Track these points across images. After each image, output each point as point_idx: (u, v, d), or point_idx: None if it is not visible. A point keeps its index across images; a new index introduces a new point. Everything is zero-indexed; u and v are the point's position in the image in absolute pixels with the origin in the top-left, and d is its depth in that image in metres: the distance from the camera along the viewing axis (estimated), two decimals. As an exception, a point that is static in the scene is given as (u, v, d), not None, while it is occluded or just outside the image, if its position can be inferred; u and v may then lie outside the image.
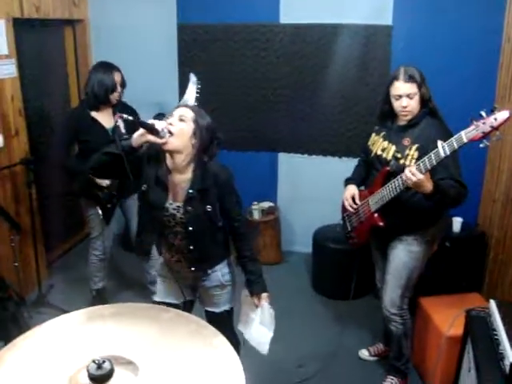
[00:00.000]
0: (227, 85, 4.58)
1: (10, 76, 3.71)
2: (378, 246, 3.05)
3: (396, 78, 2.65)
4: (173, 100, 4.47)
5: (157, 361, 1.33)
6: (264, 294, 2.49)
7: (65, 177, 3.69)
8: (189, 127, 2.24)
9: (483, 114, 2.23)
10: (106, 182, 3.47)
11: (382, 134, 2.83)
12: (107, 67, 3.48)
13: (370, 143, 2.91)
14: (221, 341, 1.39)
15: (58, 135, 3.66)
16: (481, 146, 2.27)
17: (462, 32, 3.94)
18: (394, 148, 2.72)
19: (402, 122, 2.73)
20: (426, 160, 2.38)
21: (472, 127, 2.24)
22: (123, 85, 3.55)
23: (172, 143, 2.21)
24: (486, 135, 2.24)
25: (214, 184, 2.33)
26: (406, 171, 2.41)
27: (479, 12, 3.87)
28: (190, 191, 2.30)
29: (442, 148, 2.32)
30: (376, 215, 2.78)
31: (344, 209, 3.06)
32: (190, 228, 2.34)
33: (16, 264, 3.51)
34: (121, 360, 1.32)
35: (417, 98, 2.64)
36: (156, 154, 2.35)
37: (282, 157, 4.73)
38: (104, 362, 1.24)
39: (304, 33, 4.32)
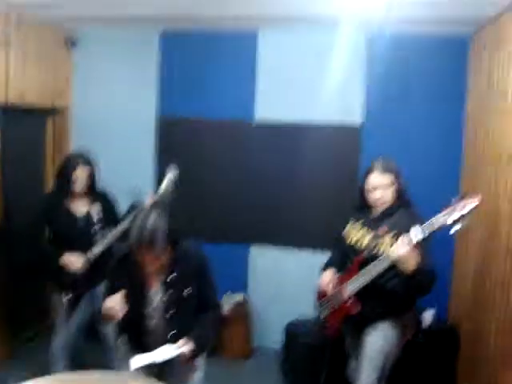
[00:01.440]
0: (202, 176, 4.68)
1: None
2: (353, 333, 3.02)
3: (371, 170, 2.81)
4: (148, 188, 4.53)
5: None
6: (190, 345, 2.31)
7: (35, 257, 3.61)
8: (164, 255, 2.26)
9: (454, 200, 2.36)
10: (76, 266, 3.41)
11: (359, 223, 2.92)
12: (73, 160, 3.50)
13: (345, 232, 2.99)
14: None
15: (30, 220, 3.60)
16: (451, 232, 2.38)
17: (428, 130, 4.23)
18: (369, 236, 2.81)
19: (377, 212, 2.84)
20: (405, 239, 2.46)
21: (442, 213, 2.37)
22: (92, 178, 3.55)
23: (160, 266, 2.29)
24: (455, 222, 2.35)
25: (191, 267, 2.37)
26: (393, 245, 2.48)
27: (442, 111, 4.19)
28: (171, 276, 2.33)
29: (415, 234, 2.42)
30: (350, 302, 2.80)
31: (319, 296, 3.07)
32: (170, 311, 2.34)
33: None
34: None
35: (391, 189, 2.78)
36: (128, 255, 2.36)
37: (255, 249, 4.74)
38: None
39: (277, 131, 4.53)
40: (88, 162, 3.53)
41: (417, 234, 2.43)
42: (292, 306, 4.44)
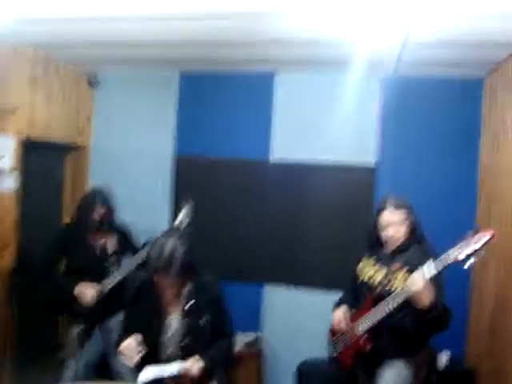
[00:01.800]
0: (216, 215, 4.71)
1: (9, 190, 3.84)
2: (366, 371, 2.95)
3: (384, 208, 2.82)
4: (164, 226, 4.59)
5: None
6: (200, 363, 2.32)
7: (48, 291, 3.63)
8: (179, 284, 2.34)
9: (467, 234, 2.36)
10: (89, 297, 3.42)
11: (372, 259, 2.92)
12: (91, 201, 3.57)
13: (358, 269, 2.99)
14: None
15: (46, 250, 3.66)
16: (465, 266, 2.35)
17: (442, 169, 4.25)
18: (382, 273, 2.80)
19: (391, 248, 2.83)
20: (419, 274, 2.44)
21: (456, 248, 2.36)
22: (109, 215, 3.60)
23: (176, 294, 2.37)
24: (469, 256, 2.33)
25: (207, 297, 2.43)
26: (409, 280, 2.46)
27: (457, 150, 4.23)
28: (188, 305, 2.38)
29: (428, 269, 2.41)
30: (362, 339, 2.77)
31: (332, 333, 3.04)
32: (186, 340, 2.37)
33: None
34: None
35: (404, 225, 2.78)
36: (146, 284, 2.43)
37: (268, 288, 4.71)
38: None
39: (292, 171, 4.57)
40: (106, 200, 3.59)
41: (430, 268, 2.42)
42: (305, 346, 4.37)
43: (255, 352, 4.48)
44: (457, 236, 2.45)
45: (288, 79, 4.60)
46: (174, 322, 2.39)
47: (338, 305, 3.10)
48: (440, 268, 2.40)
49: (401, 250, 2.79)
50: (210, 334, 2.43)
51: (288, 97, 4.60)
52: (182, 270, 2.28)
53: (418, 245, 2.79)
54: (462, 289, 4.01)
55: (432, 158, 4.29)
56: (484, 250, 2.35)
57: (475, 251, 2.33)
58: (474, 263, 2.36)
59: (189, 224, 3.66)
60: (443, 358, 3.69)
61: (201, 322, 2.38)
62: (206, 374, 2.31)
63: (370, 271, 2.88)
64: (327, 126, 4.47)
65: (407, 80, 4.22)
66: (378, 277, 2.81)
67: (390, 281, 2.73)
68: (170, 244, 2.28)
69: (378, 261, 2.88)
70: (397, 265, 2.75)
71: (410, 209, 2.82)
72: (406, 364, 2.74)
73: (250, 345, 4.50)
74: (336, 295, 4.23)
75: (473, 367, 3.79)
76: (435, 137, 4.30)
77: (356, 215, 4.42)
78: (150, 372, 2.24)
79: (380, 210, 2.84)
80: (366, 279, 2.88)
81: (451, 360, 3.72)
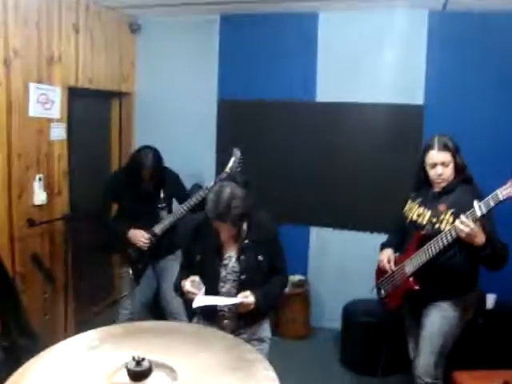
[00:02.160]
0: (263, 160, 4.71)
1: (59, 138, 3.95)
2: (412, 313, 2.98)
3: (431, 147, 2.73)
4: (211, 170, 4.68)
5: (194, 369, 1.33)
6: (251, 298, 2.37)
7: (101, 234, 3.77)
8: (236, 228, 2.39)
9: None
10: (142, 241, 3.54)
11: (418, 200, 2.88)
12: (139, 163, 3.52)
13: (405, 210, 2.96)
14: (256, 357, 1.38)
15: (101, 195, 3.78)
16: None
17: (492, 110, 4.08)
18: (429, 213, 2.76)
19: (437, 188, 2.78)
20: (468, 214, 2.40)
21: (508, 184, 2.28)
22: (158, 168, 3.59)
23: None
24: None
25: (265, 236, 2.48)
26: (457, 223, 2.42)
27: (509, 89, 4.03)
28: (246, 242, 2.44)
29: (479, 207, 2.35)
30: (411, 279, 2.76)
31: (378, 275, 3.07)
32: (243, 277, 2.42)
33: (47, 317, 3.53)
34: (160, 364, 1.32)
35: (451, 166, 2.71)
36: (203, 225, 2.51)
37: (314, 231, 4.76)
38: (143, 359, 1.25)
39: (338, 111, 4.50)
40: (154, 159, 3.55)
41: (481, 206, 2.36)
42: (349, 287, 4.44)
43: (302, 294, 4.58)
44: (502, 177, 2.37)
45: (332, 18, 4.45)
46: (231, 259, 2.46)
47: (382, 248, 3.10)
48: (491, 205, 2.33)
49: (447, 190, 2.73)
50: (267, 271, 2.50)
51: (333, 36, 4.47)
52: (239, 218, 2.33)
53: (465, 185, 2.72)
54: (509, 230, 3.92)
55: (481, 97, 4.12)
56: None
57: None
58: None
59: (240, 169, 3.67)
60: (490, 300, 3.66)
61: (258, 259, 2.44)
62: (257, 308, 2.36)
63: (418, 211, 2.84)
64: (374, 65, 4.37)
65: (455, 15, 4.02)
66: (426, 217, 2.77)
67: (437, 220, 2.69)
68: (227, 191, 2.31)
69: (424, 201, 2.84)
70: (443, 205, 2.70)
71: (456, 149, 2.73)
72: (452, 305, 2.73)
73: (297, 286, 4.60)
74: (382, 237, 4.26)
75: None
76: (483, 74, 4.10)
77: (404, 155, 4.34)
78: (203, 300, 2.32)
79: (427, 149, 2.76)
80: (414, 219, 2.84)
81: (498, 302, 3.69)
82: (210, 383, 1.30)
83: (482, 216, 2.36)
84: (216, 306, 2.42)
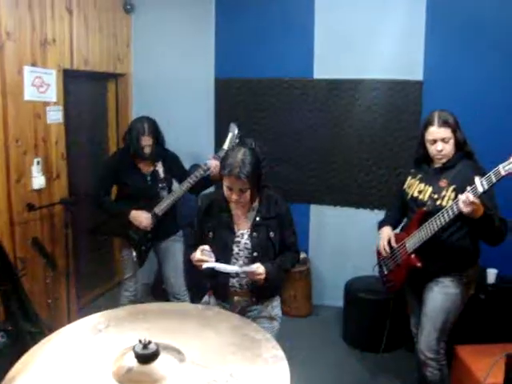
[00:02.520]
0: (261, 137, 4.67)
1: (56, 122, 3.91)
2: (414, 290, 2.99)
3: (430, 123, 2.71)
4: (209, 150, 4.64)
5: (201, 350, 1.34)
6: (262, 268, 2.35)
7: (101, 217, 3.76)
8: (249, 190, 2.35)
9: None
10: (144, 222, 3.53)
11: (419, 176, 2.87)
12: (139, 129, 3.50)
13: (405, 186, 2.95)
14: (263, 336, 1.38)
15: (98, 177, 3.78)
16: None
17: (492, 84, 4.04)
18: (430, 189, 2.75)
19: (438, 164, 2.77)
20: (470, 190, 2.38)
21: (510, 160, 2.25)
22: (157, 140, 3.60)
23: (244, 205, 2.43)
24: None
25: (276, 213, 2.47)
26: (461, 198, 2.38)
27: (508, 64, 3.98)
28: (257, 219, 2.44)
29: (481, 183, 2.33)
30: (413, 256, 2.76)
31: (380, 253, 3.06)
32: (255, 253, 2.42)
33: (49, 301, 3.55)
34: (166, 347, 1.32)
35: (451, 141, 2.69)
36: (215, 202, 2.52)
37: (314, 208, 4.76)
38: (150, 342, 1.25)
39: (337, 87, 4.47)
40: (153, 127, 3.58)
41: (483, 182, 2.34)
42: (351, 265, 4.47)
43: (304, 271, 4.60)
44: (503, 152, 2.35)
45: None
46: (243, 236, 2.45)
47: (380, 225, 3.09)
48: (493, 181, 2.30)
49: (448, 166, 2.71)
50: (278, 249, 2.49)
51: (330, 12, 4.40)
52: (253, 174, 2.31)
53: (466, 161, 2.70)
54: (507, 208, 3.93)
55: (481, 72, 4.07)
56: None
57: None
58: None
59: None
60: (491, 275, 3.67)
61: (269, 235, 2.44)
62: (267, 280, 2.35)
63: (419, 187, 2.82)
64: (372, 42, 4.32)
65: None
66: (427, 193, 2.76)
67: (439, 197, 2.67)
68: (242, 150, 2.35)
69: (424, 178, 2.82)
70: (444, 181, 2.69)
71: (457, 124, 2.70)
72: (454, 282, 2.73)
73: (299, 264, 4.60)
74: (382, 214, 4.25)
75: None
76: (483, 49, 4.04)
77: (403, 132, 4.33)
78: (214, 265, 2.32)
79: (427, 125, 2.73)
80: (415, 195, 2.82)
81: (499, 276, 3.71)
82: (218, 364, 1.30)
83: (484, 192, 2.34)
84: (227, 283, 2.44)
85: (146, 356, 1.26)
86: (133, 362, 1.28)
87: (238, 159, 2.30)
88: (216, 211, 2.50)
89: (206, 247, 2.36)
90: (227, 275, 2.43)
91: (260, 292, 2.46)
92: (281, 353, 1.34)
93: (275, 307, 2.57)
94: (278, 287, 2.63)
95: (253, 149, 2.43)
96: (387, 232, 2.98)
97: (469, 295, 2.85)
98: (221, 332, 1.45)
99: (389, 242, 2.93)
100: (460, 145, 2.71)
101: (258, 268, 2.32)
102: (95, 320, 1.53)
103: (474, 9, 4.01)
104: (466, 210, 2.37)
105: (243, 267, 2.36)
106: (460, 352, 3.08)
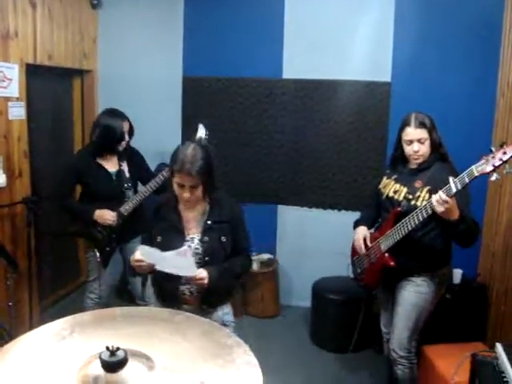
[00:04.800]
0: (229, 136, 4.67)
1: (18, 118, 3.79)
2: (386, 288, 3.01)
3: (407, 124, 2.75)
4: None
5: (171, 357, 1.29)
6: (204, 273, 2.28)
7: (65, 218, 3.66)
8: (200, 187, 2.29)
9: (493, 149, 2.29)
10: (109, 221, 3.45)
11: (394, 177, 2.90)
12: (116, 115, 3.53)
13: (381, 186, 2.97)
14: (235, 341, 1.35)
15: (61, 176, 3.67)
16: (492, 179, 2.30)
17: (459, 85, 4.11)
18: (405, 190, 2.78)
19: (414, 165, 2.81)
20: (444, 190, 2.41)
21: (482, 161, 2.29)
22: (131, 133, 3.62)
23: (194, 202, 2.35)
24: (495, 168, 2.27)
25: (229, 217, 2.41)
26: (434, 198, 2.43)
27: (475, 64, 4.06)
28: (209, 222, 2.38)
29: (454, 183, 2.36)
30: (387, 255, 2.79)
31: (354, 251, 3.08)
32: (206, 258, 2.36)
33: (10, 304, 3.43)
34: (135, 353, 1.27)
35: (427, 143, 2.73)
36: (164, 205, 2.45)
37: (282, 209, 4.75)
38: (118, 349, 1.20)
39: (305, 88, 4.47)
40: (127, 118, 3.55)
41: (456, 183, 2.37)
42: (318, 265, 4.47)
43: (271, 272, 4.58)
44: (473, 154, 2.38)
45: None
46: (194, 240, 2.38)
47: (355, 225, 3.11)
48: (466, 181, 2.34)
49: (424, 167, 2.76)
50: (230, 253, 2.43)
51: (300, 12, 4.41)
52: (205, 170, 2.26)
53: (441, 163, 2.75)
54: (477, 207, 3.98)
55: (449, 73, 4.14)
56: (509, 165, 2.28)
57: (502, 163, 2.26)
58: (497, 179, 2.30)
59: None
60: (457, 275, 3.74)
61: (221, 240, 2.38)
62: (210, 285, 2.28)
63: (394, 187, 2.85)
64: (341, 42, 4.35)
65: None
66: (402, 193, 2.78)
67: (413, 197, 2.71)
68: (192, 146, 2.29)
69: (400, 178, 2.86)
70: (420, 182, 2.73)
71: (433, 126, 2.75)
72: (426, 281, 2.77)
73: (265, 265, 4.60)
74: (349, 215, 4.28)
75: (485, 283, 3.86)
76: (451, 50, 4.11)
77: (371, 132, 4.36)
78: (149, 251, 2.23)
79: (403, 126, 2.77)
80: (390, 195, 2.85)
81: (463, 278, 3.78)
82: (189, 371, 1.26)
83: (457, 192, 2.37)
84: (178, 288, 2.37)
85: (114, 364, 1.21)
86: (99, 371, 1.23)
87: (189, 154, 2.24)
88: (165, 214, 2.43)
89: (145, 247, 2.28)
90: (177, 282, 2.36)
91: (210, 299, 2.41)
92: (253, 359, 1.31)
93: (226, 314, 2.51)
94: (227, 293, 2.55)
95: (203, 145, 2.39)
96: (362, 231, 3.00)
97: (440, 295, 2.91)
98: (191, 337, 1.40)
99: (364, 241, 2.95)
100: (435, 146, 2.75)
101: (201, 273, 2.25)
102: (58, 326, 1.46)
103: (441, 10, 4.07)
104: (439, 209, 2.41)
105: (186, 255, 2.24)
106: (427, 352, 3.11)
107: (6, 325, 3.36)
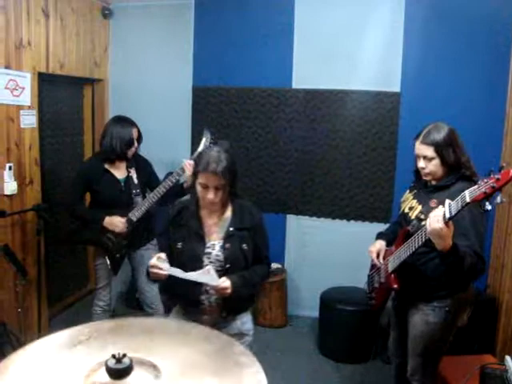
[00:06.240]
0: (238, 146, 4.68)
1: (30, 126, 3.83)
2: (396, 310, 2.88)
3: (418, 135, 2.53)
4: (185, 158, 4.57)
5: (178, 367, 1.29)
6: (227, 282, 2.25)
7: (75, 225, 3.68)
8: (224, 189, 2.30)
9: (491, 172, 2.03)
10: (119, 228, 3.46)
11: (414, 192, 2.71)
12: (126, 122, 3.56)
13: (403, 199, 2.79)
14: (249, 360, 1.33)
15: (71, 184, 3.70)
16: (497, 201, 2.04)
17: (468, 97, 4.09)
18: (419, 208, 2.56)
19: (429, 182, 2.60)
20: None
21: (476, 186, 2.03)
22: (140, 140, 3.64)
23: (218, 206, 2.34)
24: (488, 195, 2.00)
25: (251, 224, 2.39)
26: (428, 221, 2.18)
27: (485, 75, 4.05)
28: (231, 229, 2.36)
29: (449, 207, 2.12)
30: (392, 276, 2.60)
31: (372, 267, 2.92)
32: (228, 266, 2.33)
33: (19, 310, 3.45)
34: (141, 362, 1.27)
35: (436, 162, 2.47)
36: (185, 209, 2.44)
37: (291, 219, 4.74)
38: (124, 356, 1.20)
39: (315, 98, 4.47)
40: (136, 125, 3.58)
41: (450, 208, 2.10)
42: (326, 275, 4.45)
43: (279, 282, 4.57)
44: (480, 164, 2.35)
45: (309, 4, 4.39)
46: (215, 247, 2.35)
47: (378, 236, 2.90)
48: (459, 207, 2.06)
49: (441, 186, 2.49)
50: (251, 260, 2.40)
51: (309, 23, 4.42)
52: (229, 170, 2.26)
53: (464, 182, 2.40)
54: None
55: (458, 82, 4.12)
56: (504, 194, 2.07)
57: (493, 190, 1.98)
58: (497, 204, 2.05)
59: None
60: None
61: (242, 247, 2.35)
62: (234, 294, 2.24)
63: (411, 203, 2.64)
64: (351, 52, 4.35)
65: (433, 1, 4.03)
66: (416, 211, 2.56)
67: (425, 217, 2.39)
68: (216, 149, 2.31)
69: (418, 194, 2.65)
70: (434, 201, 2.44)
71: (446, 144, 2.44)
72: (434, 311, 2.53)
73: (274, 274, 4.58)
74: (358, 225, 4.25)
75: (495, 297, 3.83)
76: (461, 62, 4.09)
77: (380, 143, 4.35)
78: (178, 272, 2.20)
79: (416, 138, 2.53)
80: (406, 211, 2.64)
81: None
82: (195, 382, 1.25)
83: (451, 218, 2.11)
84: (199, 300, 2.34)
85: (120, 371, 1.21)
86: (105, 378, 1.23)
87: (214, 155, 2.25)
88: (186, 219, 2.40)
89: (162, 255, 2.26)
90: (198, 293, 2.34)
91: (229, 308, 2.38)
92: (263, 378, 1.27)
93: (245, 323, 2.47)
94: (247, 302, 2.52)
95: (227, 150, 2.37)
96: (378, 245, 2.80)
97: (458, 323, 2.64)
98: (199, 349, 1.39)
99: (377, 256, 2.77)
100: (452, 166, 2.47)
101: (224, 282, 2.22)
102: (65, 335, 1.46)
103: (452, 21, 4.07)
104: (429, 232, 2.18)
105: (204, 276, 2.22)
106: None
107: (15, 330, 3.38)
